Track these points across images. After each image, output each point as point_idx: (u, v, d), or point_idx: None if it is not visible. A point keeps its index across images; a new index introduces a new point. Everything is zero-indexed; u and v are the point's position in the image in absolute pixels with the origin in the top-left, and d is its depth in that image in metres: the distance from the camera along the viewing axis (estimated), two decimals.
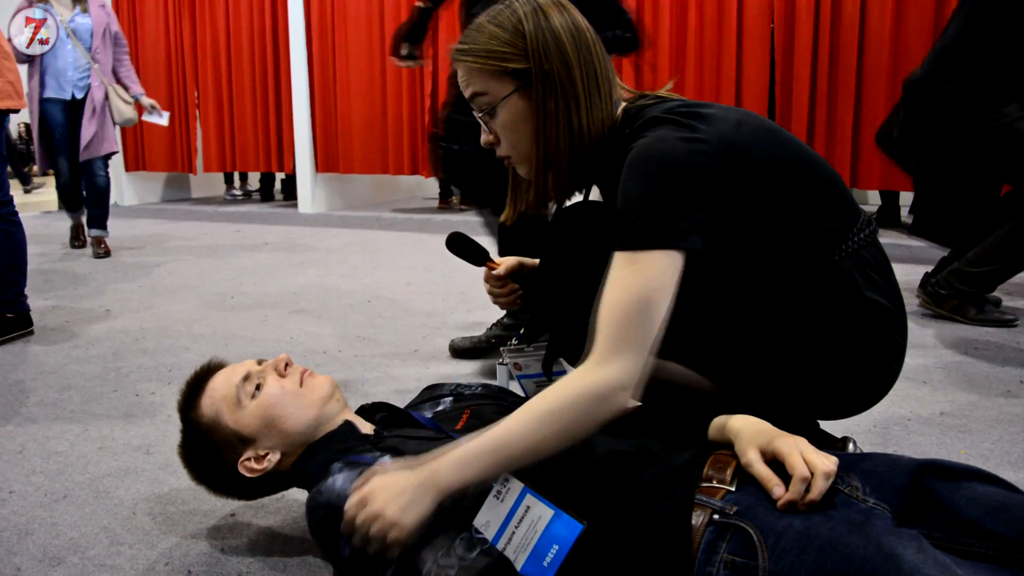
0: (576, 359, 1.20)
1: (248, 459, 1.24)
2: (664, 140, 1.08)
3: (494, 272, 1.43)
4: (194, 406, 1.27)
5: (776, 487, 0.94)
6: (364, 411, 1.38)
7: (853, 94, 4.65)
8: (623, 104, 1.23)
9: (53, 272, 4.04)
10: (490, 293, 1.46)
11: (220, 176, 7.91)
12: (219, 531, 1.42)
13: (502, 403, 1.34)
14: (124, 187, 7.28)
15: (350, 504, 1.01)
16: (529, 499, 1.01)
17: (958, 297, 2.76)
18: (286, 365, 1.29)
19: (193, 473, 1.30)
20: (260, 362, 1.32)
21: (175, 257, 4.44)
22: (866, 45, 4.61)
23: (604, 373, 1.01)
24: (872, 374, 1.17)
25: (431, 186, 7.41)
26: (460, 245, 1.43)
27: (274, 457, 1.24)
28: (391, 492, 0.98)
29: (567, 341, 1.32)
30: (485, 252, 1.44)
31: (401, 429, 1.25)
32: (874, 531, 0.85)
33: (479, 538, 1.01)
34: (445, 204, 6.75)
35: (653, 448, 1.08)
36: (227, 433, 1.24)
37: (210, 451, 1.26)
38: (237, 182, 8.08)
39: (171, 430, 1.90)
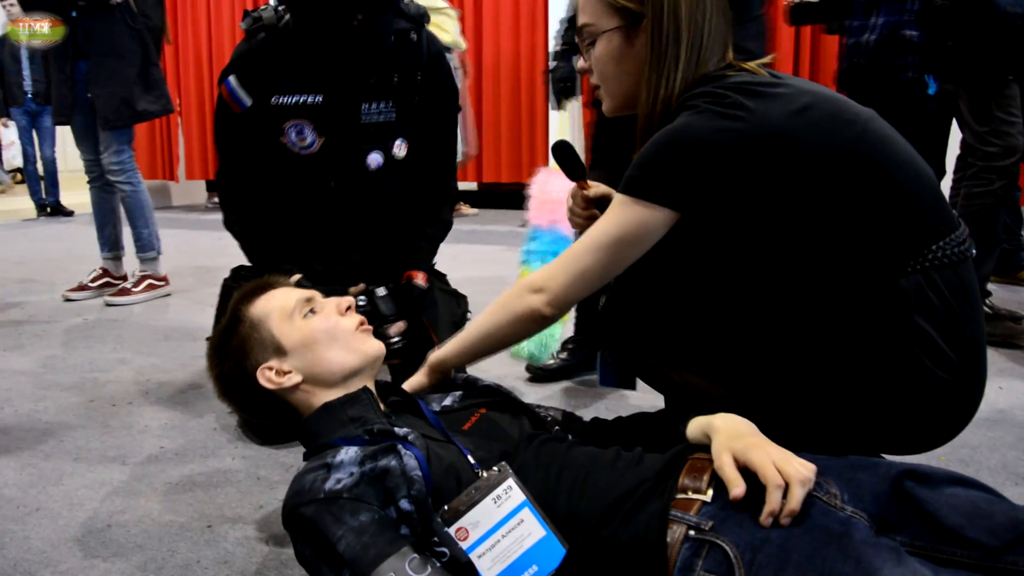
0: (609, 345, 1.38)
1: (270, 367, 1.21)
2: (692, 120, 1.11)
3: (585, 192, 1.42)
4: (249, 302, 1.27)
5: (735, 487, 0.92)
6: (379, 387, 1.32)
7: None
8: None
9: (31, 280, 3.99)
10: (570, 210, 1.45)
11: (202, 184, 7.86)
12: (195, 543, 1.40)
13: (513, 404, 1.29)
14: None
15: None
16: (526, 512, 0.99)
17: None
18: (348, 308, 1.27)
19: (214, 363, 1.28)
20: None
21: None
22: None
23: (537, 280, 1.20)
24: (905, 415, 1.11)
25: None
26: (565, 154, 1.42)
27: (294, 378, 1.21)
28: None
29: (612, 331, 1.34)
30: (584, 170, 1.44)
31: (409, 419, 1.20)
32: (853, 544, 0.85)
33: (439, 551, 0.98)
34: None
35: (632, 454, 1.07)
36: (266, 335, 1.23)
37: (241, 346, 1.23)
38: None
39: (148, 440, 1.88)
